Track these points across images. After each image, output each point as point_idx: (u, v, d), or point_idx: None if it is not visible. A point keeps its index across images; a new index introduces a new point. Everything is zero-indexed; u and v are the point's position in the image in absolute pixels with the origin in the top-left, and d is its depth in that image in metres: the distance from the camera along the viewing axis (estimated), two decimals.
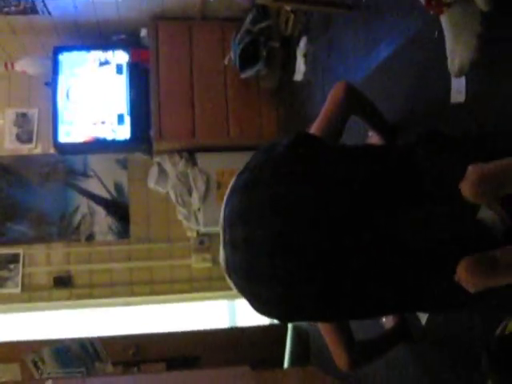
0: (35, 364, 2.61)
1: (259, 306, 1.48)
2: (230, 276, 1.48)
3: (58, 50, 4.33)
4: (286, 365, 4.01)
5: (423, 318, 2.27)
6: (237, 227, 1.42)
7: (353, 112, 1.79)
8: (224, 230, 1.47)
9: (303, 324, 3.62)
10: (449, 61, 1.61)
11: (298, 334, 4.03)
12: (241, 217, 1.42)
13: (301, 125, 3.72)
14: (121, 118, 4.27)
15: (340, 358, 1.74)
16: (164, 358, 4.01)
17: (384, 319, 2.04)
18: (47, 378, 2.62)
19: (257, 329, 4.34)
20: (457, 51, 1.54)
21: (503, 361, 1.28)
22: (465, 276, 1.14)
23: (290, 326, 4.07)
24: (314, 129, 1.77)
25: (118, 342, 3.84)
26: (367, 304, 1.43)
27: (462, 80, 1.68)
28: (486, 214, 1.20)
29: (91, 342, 2.68)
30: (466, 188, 1.16)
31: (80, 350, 2.64)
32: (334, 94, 1.74)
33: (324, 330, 1.78)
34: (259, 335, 4.25)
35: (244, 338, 4.25)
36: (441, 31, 1.61)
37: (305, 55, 3.52)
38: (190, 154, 4.26)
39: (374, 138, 2.01)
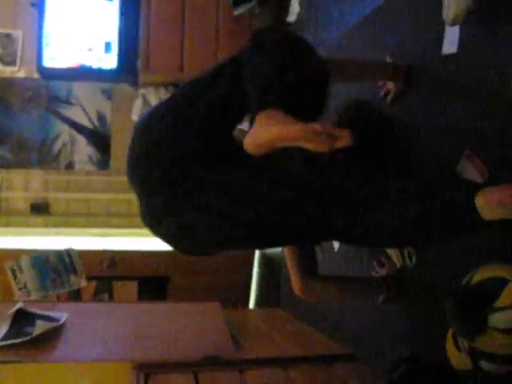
0: (13, 272, 2.63)
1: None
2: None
3: None
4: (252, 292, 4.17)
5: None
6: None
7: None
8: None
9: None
10: (444, 8, 1.58)
11: (265, 265, 4.17)
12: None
13: None
14: (108, 47, 4.16)
15: (293, 281, 1.84)
16: (136, 276, 4.13)
17: (377, 269, 2.03)
18: (18, 301, 2.63)
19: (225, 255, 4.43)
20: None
21: (466, 310, 1.30)
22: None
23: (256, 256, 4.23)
24: None
25: (94, 255, 3.92)
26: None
27: (456, 29, 1.65)
28: None
29: (68, 252, 2.70)
30: None
31: (57, 261, 2.66)
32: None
33: (286, 255, 1.87)
34: (226, 261, 4.25)
35: (211, 262, 4.32)
36: None
37: None
38: (176, 88, 4.19)
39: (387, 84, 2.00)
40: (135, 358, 2.13)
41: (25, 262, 2.66)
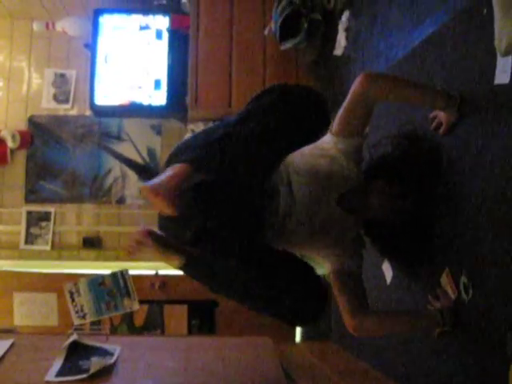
0: (71, 295, 2.69)
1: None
2: None
3: (99, 12, 4.33)
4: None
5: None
6: None
7: (375, 101, 1.89)
8: None
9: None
10: (496, 39, 1.56)
11: None
12: None
13: (337, 101, 3.68)
14: (158, 84, 4.27)
15: (346, 319, 1.82)
16: (186, 300, 4.33)
17: (432, 302, 1.98)
18: (72, 333, 2.67)
19: None
20: (505, 29, 1.50)
21: None
22: None
23: None
24: (337, 120, 1.86)
25: (146, 279, 4.21)
26: None
27: (509, 60, 1.63)
28: None
29: (123, 274, 2.74)
30: None
31: (112, 284, 2.71)
32: (354, 87, 1.86)
33: (336, 291, 1.85)
34: None
35: None
36: (490, 8, 1.57)
37: (346, 30, 3.46)
38: None
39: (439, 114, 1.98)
40: None
41: (82, 284, 2.72)
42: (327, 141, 1.96)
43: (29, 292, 4.38)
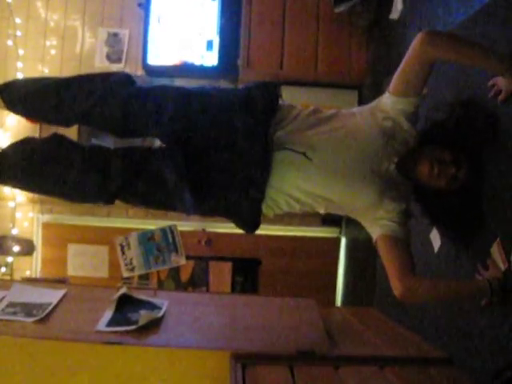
0: (122, 248, 2.78)
1: None
2: None
3: None
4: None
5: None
6: None
7: (434, 59, 1.86)
8: None
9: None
10: None
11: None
12: None
13: (390, 66, 3.62)
14: (210, 45, 4.28)
15: (394, 283, 1.82)
16: (230, 257, 4.52)
17: (481, 271, 1.98)
18: (122, 286, 2.76)
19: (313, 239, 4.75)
20: None
21: None
22: None
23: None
24: (395, 80, 1.84)
25: (193, 234, 4.37)
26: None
27: None
28: None
29: (171, 229, 2.81)
30: None
31: (161, 239, 2.79)
32: (413, 45, 1.86)
33: (382, 254, 1.85)
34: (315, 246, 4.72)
35: (301, 248, 4.68)
36: None
37: None
38: None
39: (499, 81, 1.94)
40: (233, 348, 2.18)
41: (133, 238, 2.79)
42: (386, 101, 1.96)
43: (82, 244, 4.55)
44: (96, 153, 1.97)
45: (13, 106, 2.08)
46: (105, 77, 2.02)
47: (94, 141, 2.03)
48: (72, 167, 1.93)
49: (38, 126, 4.25)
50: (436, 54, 1.84)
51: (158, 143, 2.05)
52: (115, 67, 4.74)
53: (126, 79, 2.01)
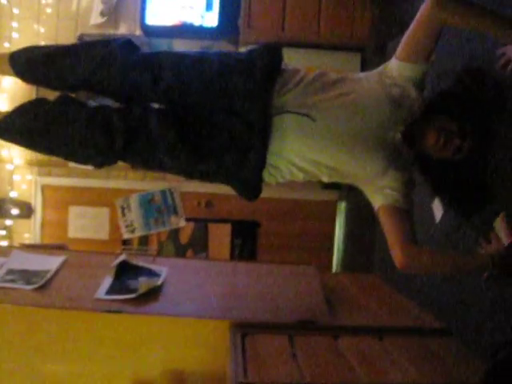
0: (122, 210, 2.77)
1: None
2: None
3: None
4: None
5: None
6: None
7: (443, 24, 1.81)
8: None
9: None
10: None
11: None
12: None
13: (394, 28, 3.54)
14: (209, 5, 4.18)
15: (394, 252, 1.82)
16: (230, 219, 4.57)
17: (483, 245, 1.95)
18: (121, 252, 2.75)
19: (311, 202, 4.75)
20: None
21: None
22: None
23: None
24: (402, 45, 1.80)
25: (193, 196, 4.38)
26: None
27: None
28: None
29: (171, 191, 2.80)
30: None
31: (161, 201, 2.78)
32: (422, 9, 1.81)
33: (383, 222, 1.83)
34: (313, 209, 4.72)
35: (298, 209, 4.72)
36: None
37: None
38: None
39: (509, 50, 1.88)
40: (232, 317, 2.18)
41: (133, 200, 2.78)
42: (393, 67, 1.92)
43: (83, 206, 4.55)
44: (101, 113, 1.96)
45: (22, 75, 2.09)
46: (106, 43, 1.98)
47: (92, 103, 2.00)
48: (80, 127, 1.93)
49: (34, 88, 4.18)
50: (446, 18, 1.79)
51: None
52: (110, 27, 4.64)
53: (128, 45, 1.97)
